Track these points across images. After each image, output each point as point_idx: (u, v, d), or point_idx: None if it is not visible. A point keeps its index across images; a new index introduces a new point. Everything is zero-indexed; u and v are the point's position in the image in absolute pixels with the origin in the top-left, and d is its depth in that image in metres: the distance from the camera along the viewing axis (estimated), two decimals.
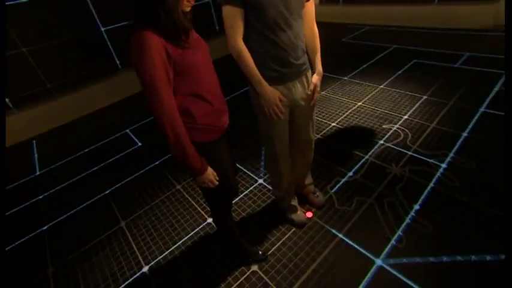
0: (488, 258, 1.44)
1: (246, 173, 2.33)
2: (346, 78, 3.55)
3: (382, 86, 3.20)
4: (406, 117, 2.61)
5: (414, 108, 2.70)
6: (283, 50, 1.24)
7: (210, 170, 1.07)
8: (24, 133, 3.72)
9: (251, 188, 2.17)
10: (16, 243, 2.13)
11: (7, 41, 3.44)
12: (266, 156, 1.68)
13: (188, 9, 0.94)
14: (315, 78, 1.42)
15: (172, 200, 2.20)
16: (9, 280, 1.85)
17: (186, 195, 2.23)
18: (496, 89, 2.70)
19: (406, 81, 3.18)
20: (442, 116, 2.51)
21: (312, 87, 1.42)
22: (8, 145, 3.58)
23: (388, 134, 2.44)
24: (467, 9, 4.12)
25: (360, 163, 2.19)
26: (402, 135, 2.39)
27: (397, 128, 2.49)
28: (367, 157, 2.24)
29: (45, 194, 2.60)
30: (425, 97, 2.83)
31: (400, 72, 3.41)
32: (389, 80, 3.29)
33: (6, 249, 2.08)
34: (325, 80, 3.58)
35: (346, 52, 4.34)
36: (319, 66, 1.45)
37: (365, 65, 3.78)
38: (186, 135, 0.96)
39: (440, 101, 2.71)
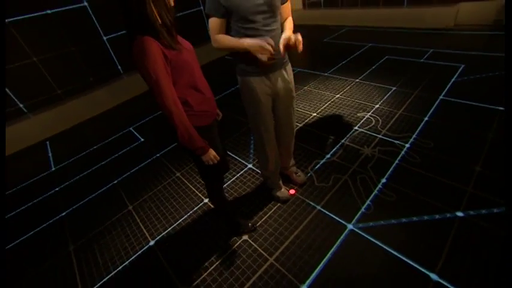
0: (437, 216, 1.60)
1: (237, 159, 2.46)
2: (326, 74, 3.68)
3: (357, 80, 3.33)
4: (377, 106, 2.75)
5: (384, 98, 2.85)
6: None
7: (211, 149, 1.20)
8: (38, 135, 3.80)
9: (242, 172, 2.30)
10: (40, 228, 2.24)
11: (20, 52, 3.52)
12: (255, 142, 1.80)
13: (174, 3, 1.04)
14: (286, 34, 1.33)
15: (172, 186, 2.33)
16: (38, 256, 1.97)
17: (185, 181, 2.35)
18: (453, 79, 2.86)
19: (379, 75, 3.32)
20: (408, 104, 2.66)
21: (289, 38, 1.30)
22: (24, 146, 3.67)
23: (362, 121, 2.58)
24: (432, 11, 4.27)
25: (337, 146, 2.33)
26: (373, 121, 2.53)
27: (370, 116, 2.63)
28: (343, 141, 2.38)
29: (61, 186, 2.71)
30: (394, 88, 2.97)
31: (373, 67, 3.55)
32: (364, 74, 3.43)
33: (31, 232, 2.20)
34: (307, 76, 3.71)
35: (327, 51, 4.47)
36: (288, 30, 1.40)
37: (343, 62, 3.91)
38: (189, 122, 1.07)
39: (407, 91, 2.86)
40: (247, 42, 1.28)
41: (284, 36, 1.31)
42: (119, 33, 4.27)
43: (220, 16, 1.32)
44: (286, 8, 1.45)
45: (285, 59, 1.51)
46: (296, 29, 1.37)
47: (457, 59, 3.21)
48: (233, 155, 2.52)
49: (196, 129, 1.14)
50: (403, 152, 2.11)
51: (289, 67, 1.57)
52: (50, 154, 3.40)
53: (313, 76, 3.70)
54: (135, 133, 3.36)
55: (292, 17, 1.51)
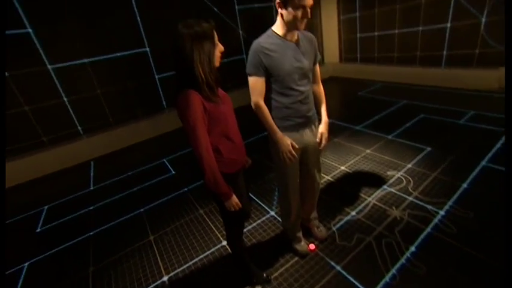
0: None
1: (260, 205, 2.48)
2: (357, 127, 3.71)
3: (389, 137, 3.30)
4: (409, 165, 2.66)
5: (418, 158, 2.75)
6: (297, 105, 1.49)
7: (234, 195, 1.27)
8: (87, 155, 4.24)
9: (263, 218, 2.30)
10: (67, 244, 2.39)
11: (89, 86, 4.16)
12: (279, 192, 1.84)
13: (218, 64, 1.21)
14: (322, 128, 1.61)
15: (194, 222, 2.39)
16: (59, 273, 2.08)
17: (207, 219, 2.40)
18: (498, 145, 2.70)
19: (413, 134, 3.26)
20: (444, 167, 2.54)
21: (319, 135, 1.61)
22: (73, 164, 4.11)
23: (392, 180, 2.50)
24: (473, 73, 4.23)
25: (363, 204, 2.25)
26: (405, 181, 2.44)
27: (401, 175, 2.54)
28: (370, 199, 2.30)
29: (95, 205, 2.92)
30: (429, 149, 2.88)
31: (407, 125, 3.51)
32: (397, 131, 3.40)
33: (59, 248, 2.35)
34: (338, 128, 3.77)
35: (361, 105, 4.55)
36: (325, 117, 1.64)
37: (376, 117, 3.93)
38: (217, 168, 1.18)
39: (443, 154, 2.75)
40: (280, 137, 1.47)
41: (320, 130, 1.60)
42: (169, 74, 4.87)
43: (260, 75, 1.45)
44: (316, 70, 1.61)
45: (314, 116, 1.61)
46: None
47: (501, 124, 3.05)
48: (257, 200, 2.55)
49: (223, 176, 1.23)
50: (436, 220, 1.97)
51: (317, 121, 1.66)
52: (92, 174, 3.74)
53: (344, 129, 3.75)
54: (168, 165, 3.59)
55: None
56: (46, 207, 3.10)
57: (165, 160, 3.74)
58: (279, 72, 1.42)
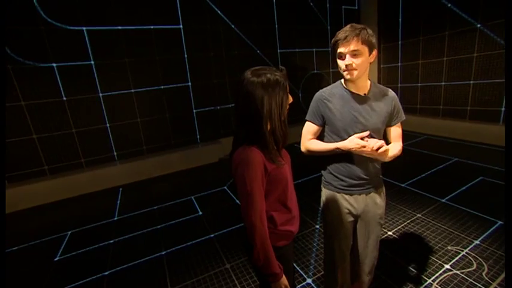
0: None
1: (295, 268, 2.15)
2: (403, 185, 3.33)
3: (444, 200, 2.88)
4: (477, 242, 2.22)
5: (488, 233, 2.30)
6: (352, 163, 1.30)
7: (284, 276, 1.03)
8: (117, 181, 4.25)
9: (298, 286, 1.96)
10: (81, 281, 2.20)
11: (131, 114, 4.34)
12: (325, 259, 1.59)
13: (285, 116, 1.02)
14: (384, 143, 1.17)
15: (219, 279, 2.10)
16: None
17: (233, 277, 2.11)
18: None
19: (473, 200, 2.81)
20: None
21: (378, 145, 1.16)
22: (103, 188, 4.12)
23: (456, 258, 2.07)
24: None
25: (422, 287, 1.84)
26: (474, 264, 2.00)
27: (467, 253, 2.11)
28: (429, 281, 1.88)
29: (117, 239, 2.77)
30: (500, 223, 2.42)
31: (465, 188, 3.07)
32: (452, 194, 2.97)
33: (73, 285, 2.17)
34: None
35: (404, 158, 4.16)
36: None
37: (424, 174, 3.53)
38: (269, 243, 0.97)
39: None
40: (342, 142, 1.23)
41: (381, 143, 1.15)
42: (206, 109, 4.97)
43: (318, 124, 1.36)
44: (394, 132, 1.36)
45: (375, 183, 1.37)
46: None
47: None
48: None
49: (274, 250, 1.01)
50: None
51: (382, 189, 1.41)
52: (119, 202, 3.68)
53: (387, 185, 3.34)
54: (195, 204, 3.42)
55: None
56: (69, 232, 3.01)
57: (192, 198, 3.59)
58: (335, 122, 1.28)
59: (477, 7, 4.32)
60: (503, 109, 4.26)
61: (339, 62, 1.21)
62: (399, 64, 5.85)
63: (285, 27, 5.46)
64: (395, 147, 1.33)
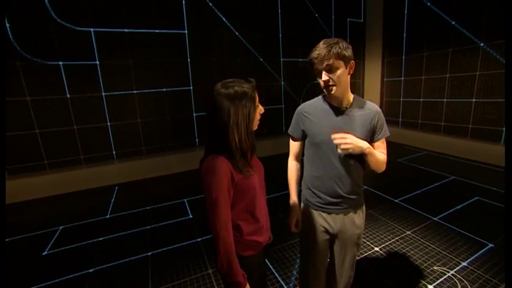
0: None
1: (276, 277, 2.13)
2: (396, 200, 3.29)
3: (436, 219, 2.83)
4: (465, 264, 2.16)
5: (476, 255, 2.25)
6: (331, 178, 1.27)
7: (247, 285, 1.03)
8: (114, 179, 4.30)
9: None
10: (65, 277, 2.22)
11: (132, 114, 4.41)
12: (300, 272, 1.56)
13: (256, 127, 1.06)
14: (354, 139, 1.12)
15: (200, 283, 2.10)
16: None
17: (214, 282, 2.10)
18: None
19: (466, 220, 2.76)
20: None
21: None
22: (100, 185, 4.17)
23: (441, 279, 2.02)
24: None
25: None
26: (460, 286, 1.95)
27: (453, 274, 2.06)
28: None
29: (106, 237, 2.80)
30: (491, 245, 2.36)
31: (459, 207, 3.01)
32: (445, 213, 2.91)
33: (55, 280, 2.19)
34: (374, 198, 3.37)
35: (400, 173, 4.13)
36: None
37: (419, 191, 3.48)
38: (234, 251, 0.97)
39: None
40: (291, 204, 1.38)
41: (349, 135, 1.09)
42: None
43: (298, 138, 1.38)
44: (377, 147, 1.28)
45: (354, 202, 1.34)
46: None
47: None
48: (273, 270, 2.21)
49: (238, 259, 1.01)
50: None
51: (362, 209, 1.39)
52: (113, 200, 3.72)
53: (380, 200, 3.34)
54: (187, 207, 3.43)
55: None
56: (61, 227, 3.05)
57: (185, 200, 3.60)
58: (314, 135, 1.28)
59: (480, 26, 4.31)
60: (503, 129, 4.19)
61: (318, 79, 1.20)
62: (402, 78, 5.83)
63: (289, 36, 5.53)
64: (378, 153, 1.25)
